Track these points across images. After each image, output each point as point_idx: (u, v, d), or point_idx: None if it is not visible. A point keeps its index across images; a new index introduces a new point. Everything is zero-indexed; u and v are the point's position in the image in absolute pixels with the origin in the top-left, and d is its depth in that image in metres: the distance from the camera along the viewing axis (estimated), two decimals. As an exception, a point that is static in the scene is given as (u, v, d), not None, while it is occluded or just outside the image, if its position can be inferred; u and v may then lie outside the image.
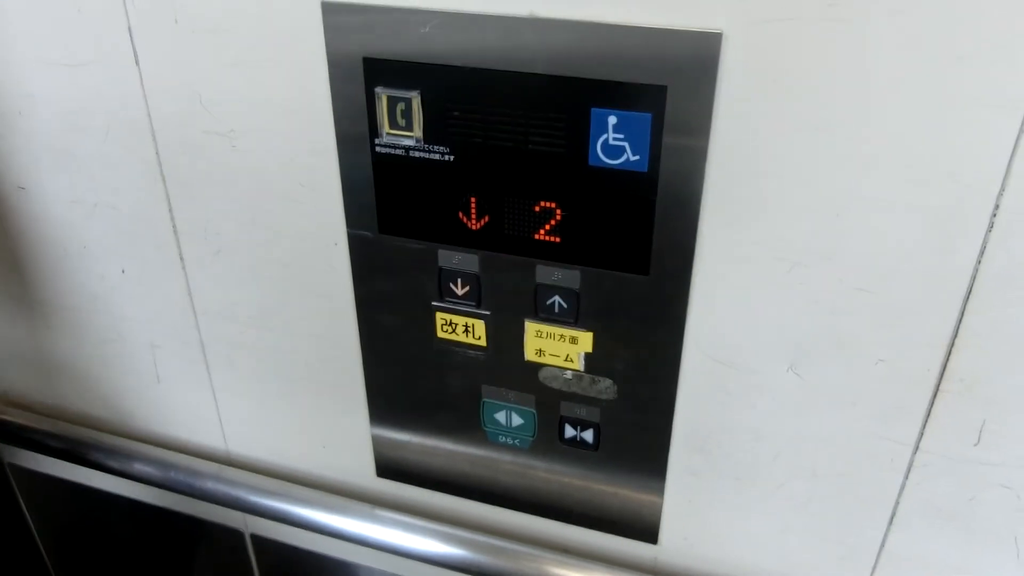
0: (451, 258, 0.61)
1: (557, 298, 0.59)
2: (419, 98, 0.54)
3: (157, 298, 0.75)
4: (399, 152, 0.57)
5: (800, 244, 0.52)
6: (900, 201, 0.48)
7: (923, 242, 0.49)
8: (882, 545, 0.62)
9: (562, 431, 0.66)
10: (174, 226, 0.69)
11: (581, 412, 0.64)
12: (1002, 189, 0.46)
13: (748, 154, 0.50)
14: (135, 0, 0.59)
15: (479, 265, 0.60)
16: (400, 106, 0.55)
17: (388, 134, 0.57)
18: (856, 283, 0.52)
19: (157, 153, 0.66)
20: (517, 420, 0.67)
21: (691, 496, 0.66)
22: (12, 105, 0.68)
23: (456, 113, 0.54)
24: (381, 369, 0.70)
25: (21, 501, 1.03)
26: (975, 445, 0.55)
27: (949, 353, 0.52)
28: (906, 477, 0.58)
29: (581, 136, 0.52)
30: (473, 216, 0.58)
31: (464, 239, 0.59)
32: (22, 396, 0.91)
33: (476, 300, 0.62)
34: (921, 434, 0.56)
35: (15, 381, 0.90)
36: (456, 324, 0.64)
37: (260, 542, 0.90)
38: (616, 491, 0.68)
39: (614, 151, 0.52)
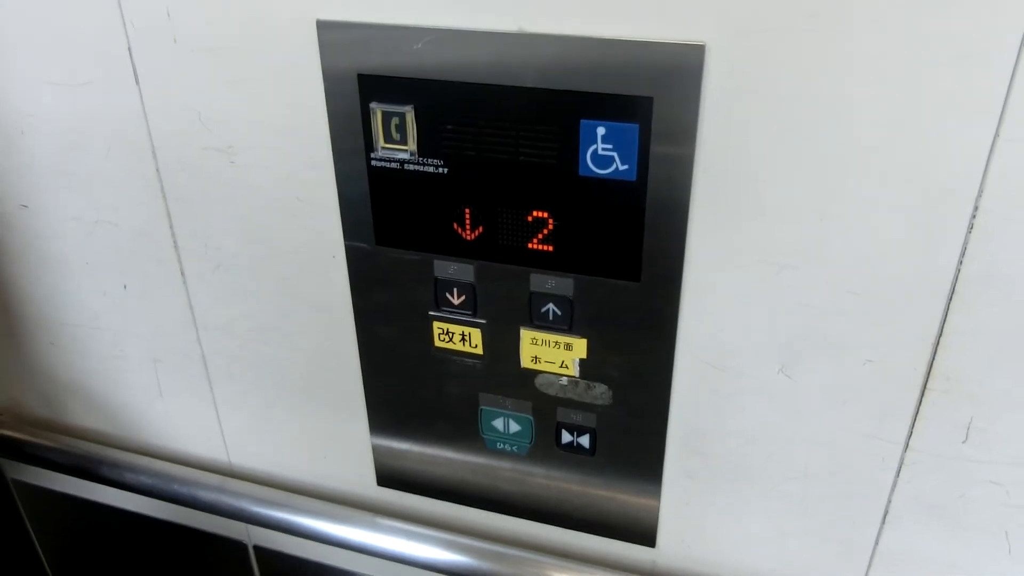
0: (447, 268, 0.62)
1: (551, 306, 0.61)
2: (413, 113, 0.56)
3: (159, 313, 0.76)
4: (394, 166, 0.58)
5: (786, 247, 0.53)
6: (882, 204, 0.49)
7: (906, 243, 0.50)
8: (876, 543, 0.62)
9: (559, 437, 0.67)
10: (175, 242, 0.71)
11: (577, 418, 0.66)
12: (980, 191, 0.47)
13: (734, 161, 0.51)
14: (135, 20, 0.60)
15: (474, 275, 0.61)
16: (395, 121, 0.56)
17: (383, 148, 0.58)
18: (842, 285, 0.53)
19: (157, 170, 0.67)
20: (515, 427, 0.68)
21: (687, 499, 0.67)
22: (14, 125, 0.69)
23: (449, 127, 0.55)
24: (380, 379, 0.71)
25: (24, 516, 1.04)
26: (963, 443, 0.56)
27: (935, 352, 0.53)
28: (897, 475, 0.59)
29: (571, 147, 0.53)
30: (468, 227, 0.59)
31: (459, 249, 0.60)
32: (25, 412, 0.92)
33: (472, 309, 0.63)
34: (910, 433, 0.57)
35: (18, 397, 0.91)
36: (453, 333, 0.65)
37: (263, 553, 0.90)
38: (613, 495, 0.69)
39: (603, 161, 0.53)
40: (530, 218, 0.57)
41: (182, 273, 0.72)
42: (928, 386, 0.55)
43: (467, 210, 0.58)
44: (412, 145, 0.57)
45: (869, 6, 0.44)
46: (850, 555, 0.64)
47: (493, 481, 0.72)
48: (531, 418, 0.67)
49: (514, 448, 0.69)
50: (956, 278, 0.50)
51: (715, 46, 0.48)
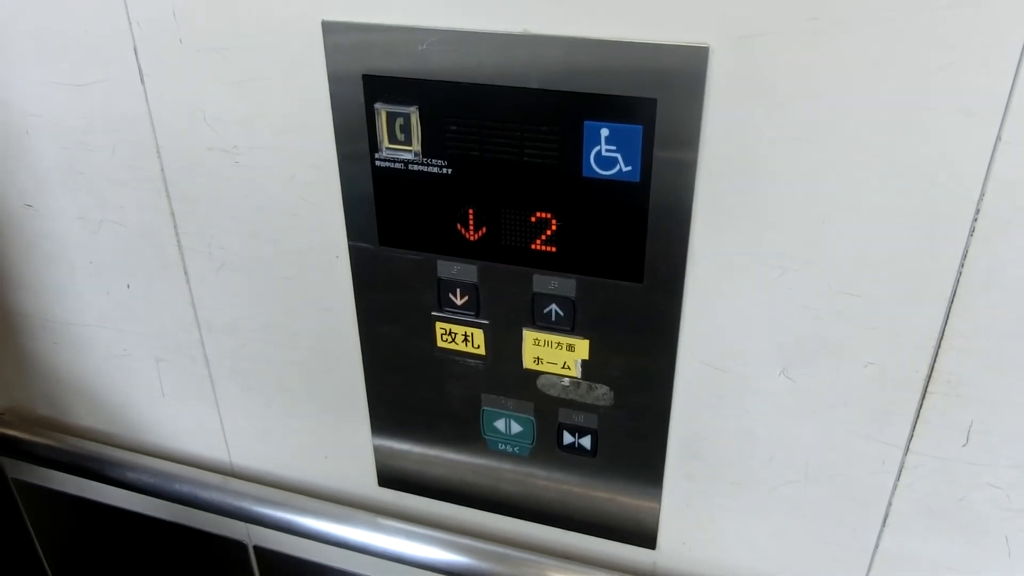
0: (450, 269, 0.62)
1: (554, 306, 0.61)
2: (417, 113, 0.56)
3: (162, 313, 0.76)
4: (398, 166, 0.59)
5: (788, 250, 0.53)
6: (883, 207, 0.49)
7: (907, 247, 0.50)
8: (876, 545, 0.63)
9: (560, 438, 0.67)
10: (179, 241, 0.71)
11: (579, 419, 0.66)
12: (981, 194, 0.47)
13: (736, 163, 0.51)
14: (140, 21, 0.61)
15: (477, 275, 0.62)
16: (399, 121, 0.57)
17: (387, 148, 0.58)
18: (843, 287, 0.53)
19: (162, 170, 0.67)
20: (516, 428, 0.68)
21: (688, 501, 0.67)
22: (19, 125, 0.70)
23: (454, 127, 0.56)
24: (382, 379, 0.71)
25: (25, 516, 1.04)
26: (964, 446, 0.56)
27: (936, 355, 0.54)
28: (898, 478, 0.59)
29: (575, 148, 0.53)
30: (471, 227, 0.59)
31: (462, 250, 0.61)
32: (27, 411, 0.92)
33: (475, 310, 0.63)
34: (911, 436, 0.57)
35: (20, 396, 0.91)
36: (455, 333, 0.65)
37: (263, 553, 0.91)
38: (614, 497, 0.69)
39: (607, 162, 0.53)
40: (533, 219, 0.57)
41: (186, 273, 0.73)
42: (929, 389, 0.55)
43: (470, 211, 0.59)
44: (416, 146, 0.57)
45: (871, 9, 0.44)
46: (850, 558, 0.64)
47: (494, 482, 0.72)
48: (533, 419, 0.67)
49: (515, 449, 0.69)
50: (957, 281, 0.51)
51: (718, 48, 0.48)
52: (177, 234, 0.71)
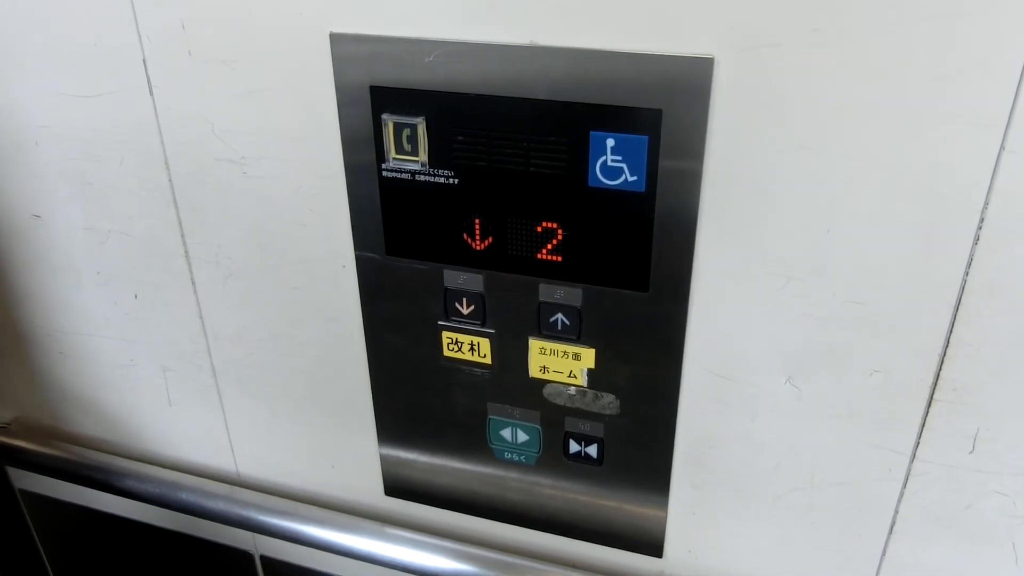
0: (456, 278, 0.62)
1: (560, 315, 0.61)
2: (424, 124, 0.56)
3: (169, 323, 0.76)
4: (405, 176, 0.59)
5: (793, 259, 0.53)
6: (888, 216, 0.50)
7: (912, 255, 0.51)
8: (883, 553, 0.63)
9: (567, 447, 0.68)
10: (186, 252, 0.71)
11: (585, 427, 0.66)
12: (986, 203, 0.48)
13: (741, 173, 0.52)
14: (150, 33, 0.61)
15: (483, 284, 0.62)
16: (406, 132, 0.57)
17: (394, 159, 0.59)
18: (848, 296, 0.53)
19: (170, 180, 0.68)
20: (523, 436, 0.68)
21: (694, 509, 0.67)
22: (28, 136, 0.70)
23: (460, 138, 0.56)
24: (389, 389, 0.71)
25: (31, 526, 1.04)
26: (970, 453, 0.56)
27: (941, 363, 0.54)
28: (904, 486, 0.59)
29: (581, 158, 0.54)
30: (477, 237, 0.60)
31: (469, 259, 0.61)
32: (34, 421, 0.92)
33: (481, 319, 0.64)
34: (917, 443, 0.57)
35: (27, 406, 0.91)
36: (462, 343, 0.65)
37: (269, 563, 0.91)
38: (621, 506, 0.69)
39: (613, 172, 0.54)
40: (539, 228, 0.58)
41: (193, 283, 0.73)
42: (935, 397, 0.55)
43: (477, 220, 0.59)
44: (423, 156, 0.58)
45: (875, 20, 0.45)
46: (857, 566, 0.64)
47: (501, 491, 0.72)
48: (539, 428, 0.67)
49: (522, 458, 0.70)
50: (962, 289, 0.51)
51: (723, 59, 0.49)
52: (185, 244, 0.71)
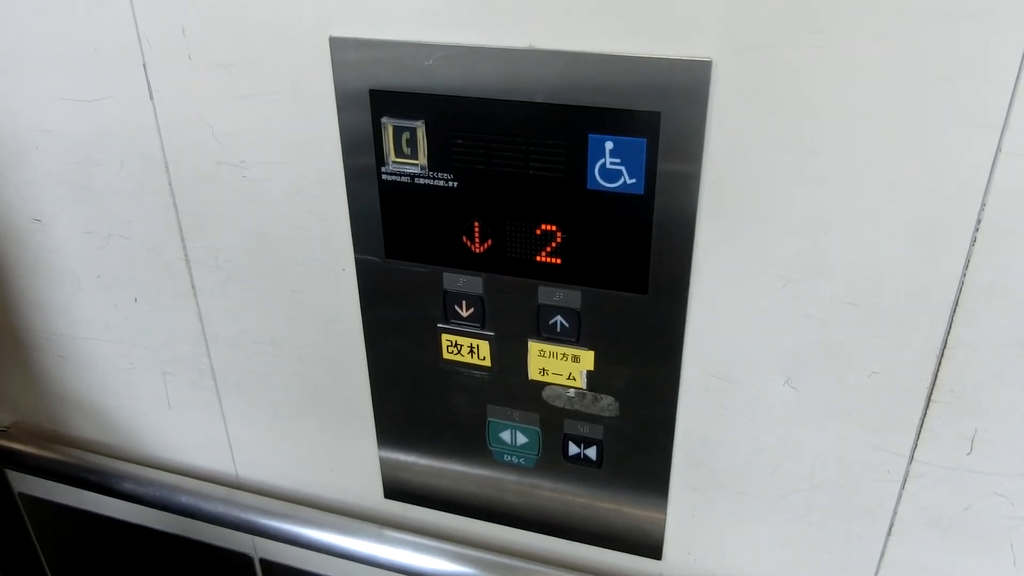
0: (456, 281, 0.62)
1: (559, 318, 0.61)
2: (424, 127, 0.57)
3: (169, 326, 0.77)
4: (405, 179, 0.59)
5: (792, 261, 0.54)
6: (886, 217, 0.50)
7: (910, 256, 0.51)
8: (882, 554, 0.63)
9: (566, 449, 0.68)
10: (186, 255, 0.71)
11: (584, 429, 0.66)
12: (983, 204, 0.48)
13: (740, 175, 0.52)
14: (150, 37, 0.61)
15: (483, 287, 0.62)
16: (405, 135, 0.57)
17: (394, 162, 0.59)
18: (847, 297, 0.53)
19: (170, 184, 0.68)
20: (522, 439, 0.69)
21: (693, 511, 0.67)
22: (29, 140, 0.70)
23: (459, 141, 0.56)
24: (388, 391, 0.71)
25: (31, 529, 1.04)
26: (968, 454, 0.56)
27: (939, 364, 0.54)
28: (903, 487, 0.59)
29: (580, 161, 0.54)
30: (477, 240, 0.60)
31: (468, 262, 0.61)
32: (34, 425, 0.92)
33: (480, 321, 0.64)
34: (915, 444, 0.58)
35: (27, 410, 0.91)
36: (461, 345, 0.65)
37: (269, 566, 0.91)
38: (620, 508, 0.69)
39: (611, 175, 0.54)
40: (538, 231, 0.58)
41: (193, 286, 0.73)
42: (933, 398, 0.55)
43: (476, 223, 0.59)
44: (422, 159, 0.58)
45: (873, 22, 0.45)
46: (856, 566, 0.64)
47: (500, 493, 0.73)
48: (538, 430, 0.68)
49: (521, 460, 0.70)
50: (960, 290, 0.51)
51: (721, 62, 0.49)
52: (184, 247, 0.71)
